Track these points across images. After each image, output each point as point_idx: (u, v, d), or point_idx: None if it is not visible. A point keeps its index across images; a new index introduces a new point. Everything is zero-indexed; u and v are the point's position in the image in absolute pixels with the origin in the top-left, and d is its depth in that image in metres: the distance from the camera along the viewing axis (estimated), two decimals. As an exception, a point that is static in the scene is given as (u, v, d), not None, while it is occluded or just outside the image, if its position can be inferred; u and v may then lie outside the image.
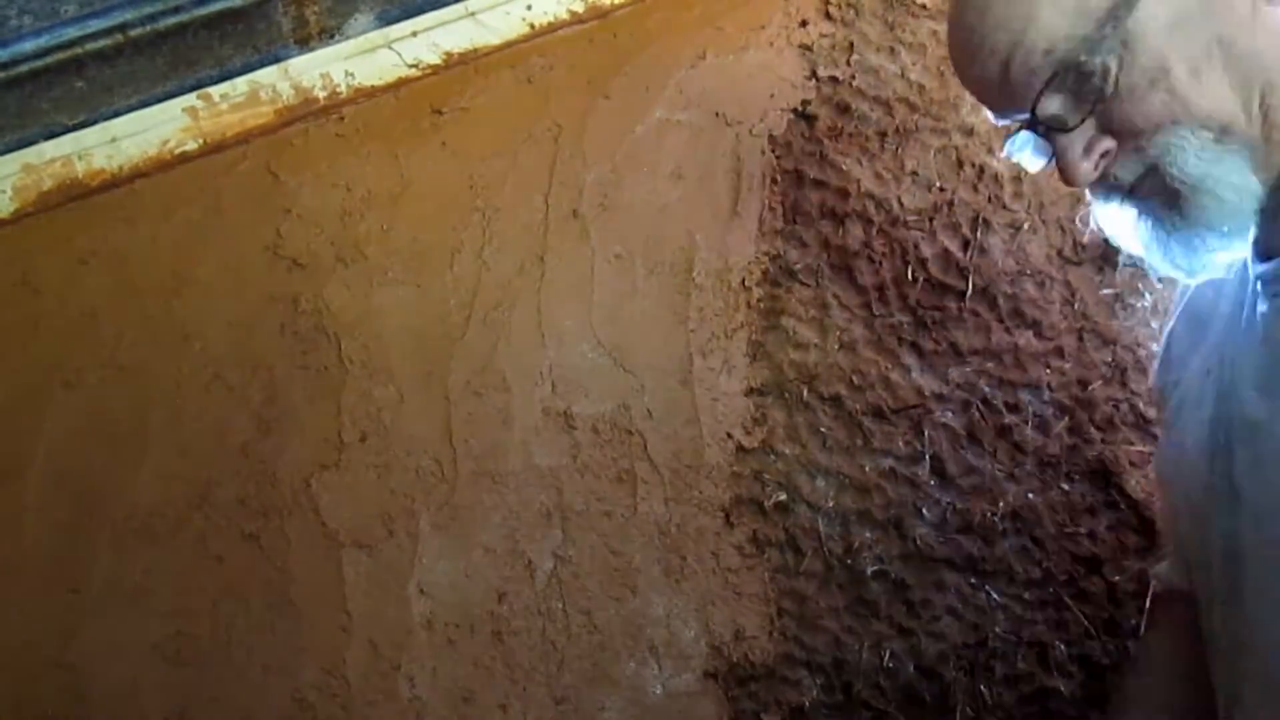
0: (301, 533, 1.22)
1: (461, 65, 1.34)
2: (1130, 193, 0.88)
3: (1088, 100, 0.82)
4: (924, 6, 1.46)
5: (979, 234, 1.40)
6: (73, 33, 1.16)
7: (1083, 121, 0.83)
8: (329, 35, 1.30)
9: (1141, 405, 1.37)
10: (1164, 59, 0.79)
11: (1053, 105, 0.83)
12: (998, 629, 1.30)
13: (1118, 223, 0.91)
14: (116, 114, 1.23)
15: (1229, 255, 0.88)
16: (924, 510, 1.32)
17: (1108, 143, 0.84)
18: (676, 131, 1.39)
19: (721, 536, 1.30)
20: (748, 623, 1.29)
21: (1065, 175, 0.88)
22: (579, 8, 1.37)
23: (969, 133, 1.43)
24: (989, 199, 1.41)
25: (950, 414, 1.35)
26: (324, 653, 1.20)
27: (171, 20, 1.20)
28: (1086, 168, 0.86)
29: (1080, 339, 1.39)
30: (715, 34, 1.42)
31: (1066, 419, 1.36)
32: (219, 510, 1.21)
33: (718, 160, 1.39)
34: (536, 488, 1.28)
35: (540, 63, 1.38)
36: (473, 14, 1.34)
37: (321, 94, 1.29)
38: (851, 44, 1.44)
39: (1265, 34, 0.79)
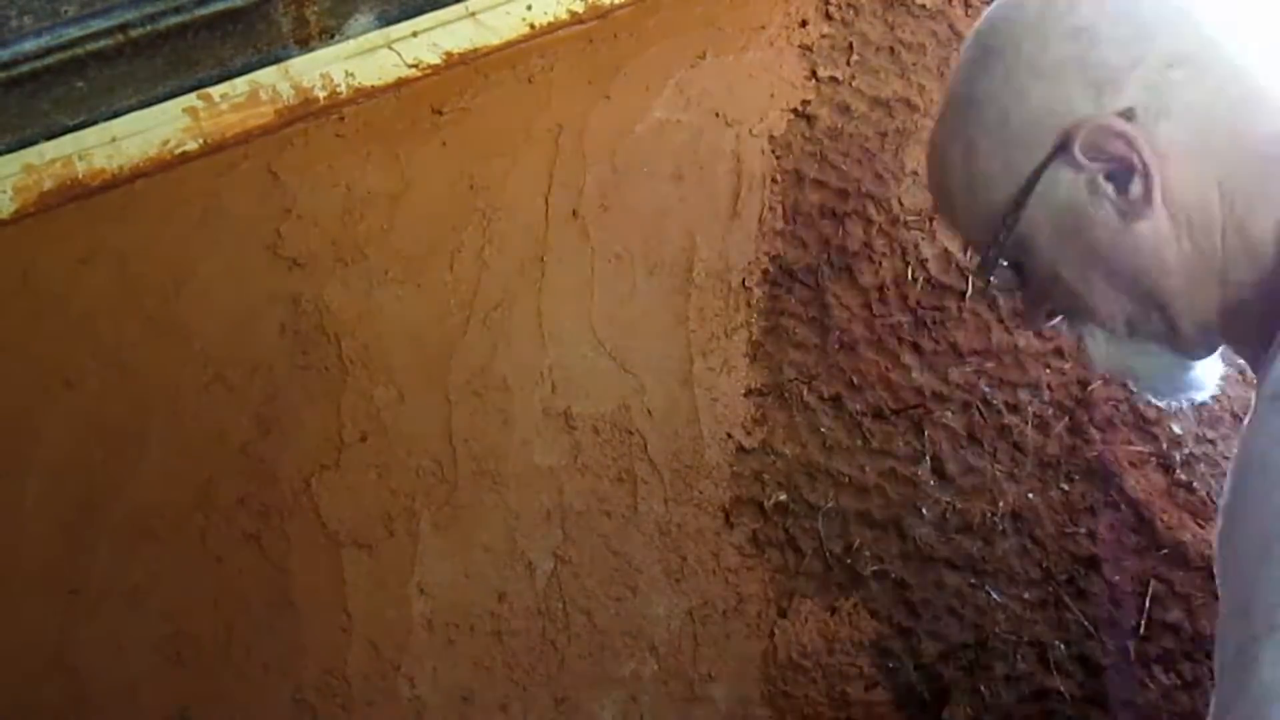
0: (301, 533, 1.22)
1: (462, 65, 1.35)
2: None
3: (1017, 281, 0.86)
4: (924, 6, 1.46)
5: (979, 234, 1.40)
6: (73, 33, 1.16)
7: (1021, 291, 0.87)
8: (329, 35, 1.30)
9: (1141, 406, 1.37)
10: (1053, 265, 0.81)
11: (984, 272, 0.85)
12: (997, 629, 1.30)
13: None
14: (117, 114, 1.23)
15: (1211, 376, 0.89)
16: (924, 510, 1.32)
17: (1053, 311, 0.88)
18: (676, 131, 1.39)
19: (721, 536, 1.30)
20: (747, 623, 1.29)
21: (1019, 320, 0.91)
22: (579, 8, 1.37)
23: (969, 133, 1.43)
24: (989, 199, 1.41)
25: (950, 414, 1.35)
26: (324, 653, 1.20)
27: (172, 20, 1.20)
28: (1036, 322, 0.91)
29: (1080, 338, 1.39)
30: (715, 34, 1.42)
31: (1066, 419, 1.36)
32: (219, 510, 1.21)
33: (718, 160, 1.39)
34: (536, 488, 1.28)
35: (540, 63, 1.38)
36: (473, 14, 1.34)
37: (321, 94, 1.29)
38: (851, 44, 1.44)
39: (1136, 251, 0.77)
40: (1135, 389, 0.91)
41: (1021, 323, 0.90)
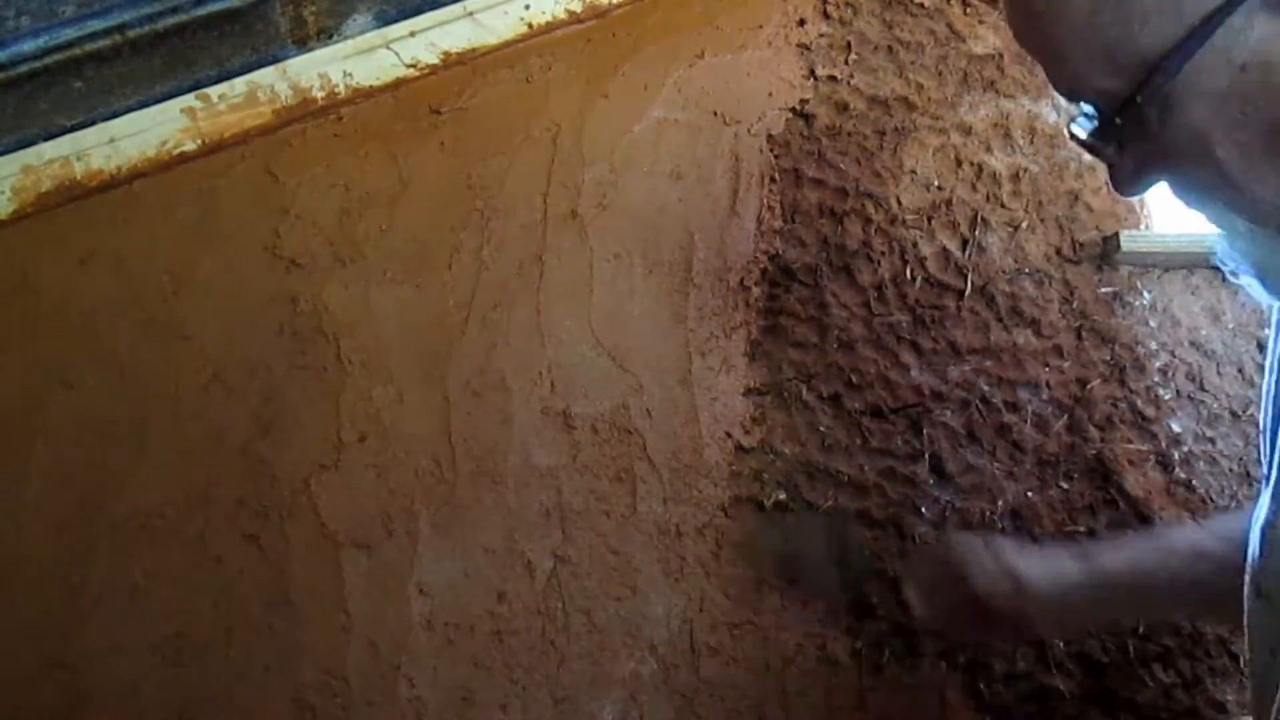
0: (301, 533, 1.22)
1: (460, 65, 1.35)
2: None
3: (1128, 147, 0.69)
4: (921, 5, 1.46)
5: (977, 232, 1.40)
6: (71, 34, 1.16)
7: (1122, 158, 0.70)
8: (327, 35, 1.30)
9: (1140, 404, 1.37)
10: (1203, 131, 0.65)
11: (1082, 133, 0.70)
12: (997, 627, 1.30)
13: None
14: (115, 115, 1.24)
15: None
16: (923, 509, 1.32)
17: (1160, 176, 0.71)
18: (675, 131, 1.39)
19: (721, 536, 1.30)
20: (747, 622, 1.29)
21: (1110, 182, 0.75)
22: (577, 7, 1.38)
23: (967, 131, 1.43)
24: (987, 197, 1.41)
25: (949, 413, 1.35)
26: (324, 653, 1.20)
27: (170, 21, 1.20)
28: (1130, 189, 0.73)
29: (1079, 337, 1.39)
30: (713, 33, 1.42)
31: (1065, 417, 1.36)
32: (219, 510, 1.21)
33: (716, 159, 1.39)
34: (536, 487, 1.28)
35: (538, 62, 1.38)
36: (471, 14, 1.34)
37: (319, 94, 1.30)
38: (849, 43, 1.44)
39: None
40: (1245, 283, 0.74)
41: (1116, 188, 0.74)
